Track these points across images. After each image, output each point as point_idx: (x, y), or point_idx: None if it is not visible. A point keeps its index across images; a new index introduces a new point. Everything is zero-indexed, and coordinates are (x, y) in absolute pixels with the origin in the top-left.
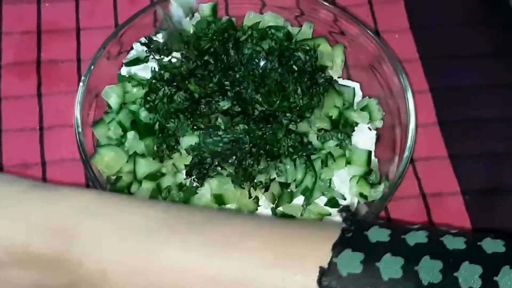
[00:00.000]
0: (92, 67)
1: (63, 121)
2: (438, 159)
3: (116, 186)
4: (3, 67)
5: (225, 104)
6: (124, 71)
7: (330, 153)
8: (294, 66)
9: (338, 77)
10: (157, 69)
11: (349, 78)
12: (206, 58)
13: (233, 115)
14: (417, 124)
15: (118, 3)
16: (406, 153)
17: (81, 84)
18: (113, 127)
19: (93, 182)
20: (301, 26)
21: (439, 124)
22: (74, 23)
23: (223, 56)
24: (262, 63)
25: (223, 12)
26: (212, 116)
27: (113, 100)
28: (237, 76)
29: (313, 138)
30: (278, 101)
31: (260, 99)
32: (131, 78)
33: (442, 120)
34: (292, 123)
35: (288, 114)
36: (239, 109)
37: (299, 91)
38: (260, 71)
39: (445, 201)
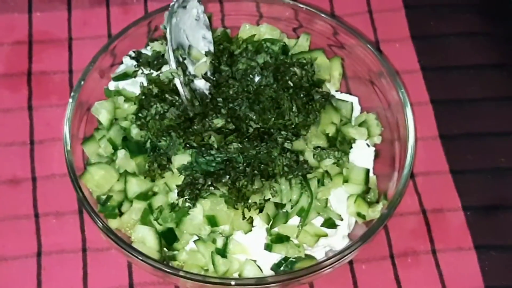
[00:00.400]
0: (82, 82)
1: (54, 134)
2: (438, 174)
3: (106, 206)
4: None
5: (218, 122)
6: (112, 85)
7: (326, 171)
8: (289, 82)
9: (336, 91)
10: (145, 84)
11: (348, 91)
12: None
13: (226, 133)
14: (417, 137)
15: (111, 12)
16: (406, 171)
17: (70, 100)
18: (104, 144)
19: (82, 202)
20: (298, 38)
21: (440, 137)
22: (66, 33)
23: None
24: (256, 78)
25: (218, 23)
26: (205, 134)
27: (103, 116)
28: (231, 92)
29: (309, 156)
30: (273, 119)
31: (254, 116)
32: (118, 93)
33: (443, 133)
34: (288, 141)
35: (283, 132)
36: (233, 126)
37: (294, 108)
38: (255, 87)
39: (446, 218)
